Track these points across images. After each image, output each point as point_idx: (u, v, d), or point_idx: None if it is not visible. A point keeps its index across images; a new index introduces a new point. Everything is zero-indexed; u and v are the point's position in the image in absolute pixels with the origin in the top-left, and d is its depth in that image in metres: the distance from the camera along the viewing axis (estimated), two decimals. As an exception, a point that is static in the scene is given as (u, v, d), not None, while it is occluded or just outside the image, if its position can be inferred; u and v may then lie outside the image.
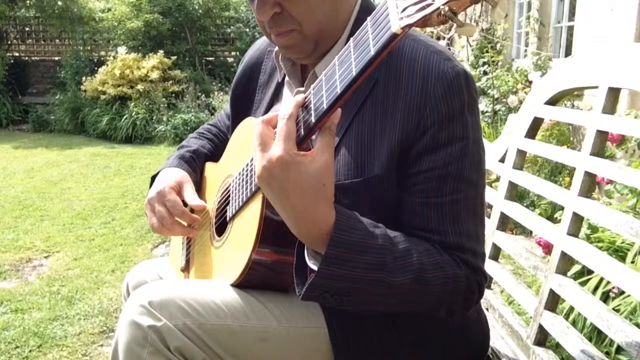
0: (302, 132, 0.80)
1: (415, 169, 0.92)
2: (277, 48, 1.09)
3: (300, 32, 0.98)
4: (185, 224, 1.16)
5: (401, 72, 0.93)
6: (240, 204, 1.03)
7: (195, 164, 1.29)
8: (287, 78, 1.12)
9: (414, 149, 0.91)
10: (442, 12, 0.61)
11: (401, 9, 0.65)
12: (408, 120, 0.91)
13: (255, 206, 0.98)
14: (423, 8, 0.63)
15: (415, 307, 0.92)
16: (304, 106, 0.81)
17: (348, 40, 1.00)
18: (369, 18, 0.71)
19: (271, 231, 0.96)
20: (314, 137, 0.81)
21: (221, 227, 1.14)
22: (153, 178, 1.25)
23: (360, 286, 0.84)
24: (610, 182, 2.47)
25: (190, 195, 1.17)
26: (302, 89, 0.97)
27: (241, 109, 1.24)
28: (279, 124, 0.80)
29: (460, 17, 0.63)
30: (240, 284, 1.00)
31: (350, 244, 0.82)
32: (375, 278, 0.84)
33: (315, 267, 0.82)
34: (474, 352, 1.11)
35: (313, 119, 0.78)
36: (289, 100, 0.82)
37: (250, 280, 0.99)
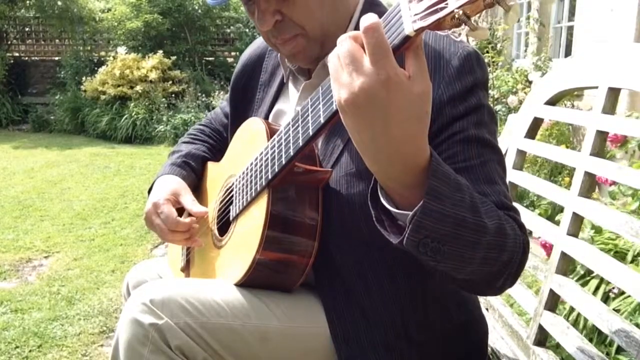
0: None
1: (435, 142, 0.90)
2: None
3: (305, 36, 0.98)
4: (183, 232, 1.14)
5: None
6: (245, 203, 1.03)
7: (188, 167, 1.27)
8: (294, 72, 1.12)
9: (432, 128, 0.88)
10: (456, 16, 0.61)
11: (414, 12, 0.64)
12: None
13: (261, 206, 0.97)
14: (437, 11, 0.62)
15: (491, 268, 0.82)
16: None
17: None
18: (380, 20, 0.71)
19: (276, 231, 0.96)
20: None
21: (223, 226, 1.14)
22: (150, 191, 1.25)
23: (458, 231, 0.73)
24: (613, 183, 2.46)
25: (190, 203, 1.16)
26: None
27: (241, 108, 1.23)
28: (369, 37, 0.64)
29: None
30: (244, 284, 1.00)
31: (447, 176, 0.72)
32: (471, 219, 0.74)
33: (404, 212, 0.72)
34: (473, 352, 1.11)
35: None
36: (367, 17, 0.65)
37: (254, 280, 0.99)
